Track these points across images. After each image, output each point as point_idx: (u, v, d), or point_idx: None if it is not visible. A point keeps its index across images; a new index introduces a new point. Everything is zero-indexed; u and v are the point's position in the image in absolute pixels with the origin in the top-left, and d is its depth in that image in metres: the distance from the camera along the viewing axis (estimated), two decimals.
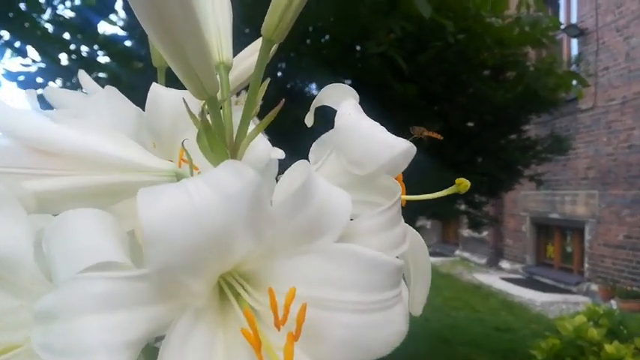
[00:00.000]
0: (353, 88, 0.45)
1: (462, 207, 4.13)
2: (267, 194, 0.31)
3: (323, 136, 0.53)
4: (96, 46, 2.17)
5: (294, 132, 1.26)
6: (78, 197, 0.39)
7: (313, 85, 3.11)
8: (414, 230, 0.44)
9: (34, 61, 2.13)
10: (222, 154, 0.39)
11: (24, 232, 0.34)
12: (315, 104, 0.47)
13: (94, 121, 0.43)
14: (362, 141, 0.39)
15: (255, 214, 0.31)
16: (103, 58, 2.23)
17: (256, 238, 0.32)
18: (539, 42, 3.35)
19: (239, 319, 0.32)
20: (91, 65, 2.14)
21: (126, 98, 0.44)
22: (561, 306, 6.12)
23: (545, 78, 3.48)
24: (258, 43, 0.49)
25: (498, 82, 3.35)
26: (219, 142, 0.39)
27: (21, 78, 2.11)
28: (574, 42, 7.13)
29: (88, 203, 0.40)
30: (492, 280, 7.78)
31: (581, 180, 7.04)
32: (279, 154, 0.56)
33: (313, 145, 0.52)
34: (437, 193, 0.45)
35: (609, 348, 3.01)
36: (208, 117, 0.38)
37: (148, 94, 0.48)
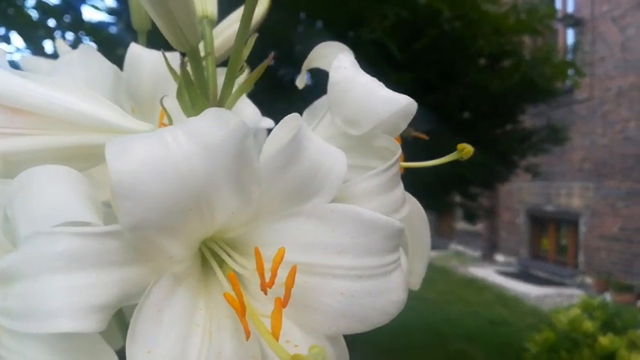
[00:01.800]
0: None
1: (457, 199, 4.12)
2: (254, 146, 0.28)
3: (315, 102, 0.50)
4: (81, 33, 2.11)
5: None
6: (48, 160, 0.36)
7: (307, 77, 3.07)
8: (413, 197, 0.41)
9: (18, 48, 2.08)
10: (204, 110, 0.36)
11: None
12: (306, 65, 0.44)
13: (67, 79, 0.40)
14: (358, 96, 0.36)
15: (241, 168, 0.28)
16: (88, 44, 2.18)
17: (241, 197, 0.29)
18: (535, 30, 3.32)
19: (222, 285, 0.29)
20: None
21: (103, 57, 0.41)
22: (556, 299, 6.14)
23: (542, 67, 3.45)
24: (239, 12, 0.46)
25: (494, 71, 3.33)
26: (200, 98, 0.35)
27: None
28: (570, 32, 7.11)
29: None
30: (487, 273, 7.80)
31: (577, 172, 7.05)
32: (269, 123, 0.53)
33: (305, 112, 0.49)
34: (438, 159, 0.42)
35: (603, 340, 3.02)
36: (189, 71, 0.35)
37: (127, 54, 0.44)
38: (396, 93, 0.36)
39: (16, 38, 2.04)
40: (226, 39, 0.48)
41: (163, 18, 0.32)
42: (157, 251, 0.27)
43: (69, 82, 0.38)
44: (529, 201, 8.11)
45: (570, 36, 7.09)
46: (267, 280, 0.28)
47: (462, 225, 9.51)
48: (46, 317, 0.23)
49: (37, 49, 1.99)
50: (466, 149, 0.43)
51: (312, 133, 0.31)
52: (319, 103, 0.49)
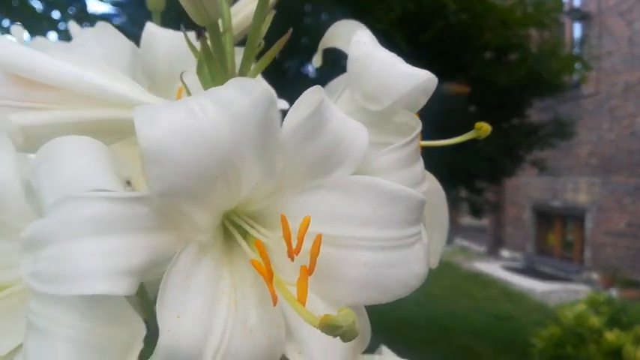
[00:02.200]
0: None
1: (463, 194, 4.10)
2: (278, 116, 0.28)
3: (330, 83, 0.49)
4: (85, 24, 2.12)
5: None
6: (68, 134, 0.36)
7: (310, 68, 3.06)
8: (430, 174, 0.41)
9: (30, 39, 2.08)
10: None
11: (11, 168, 0.31)
12: (322, 45, 0.44)
13: (85, 56, 0.40)
14: (378, 71, 0.36)
15: (266, 136, 0.28)
16: None
17: (266, 167, 0.29)
18: (542, 23, 3.30)
19: (246, 253, 0.30)
20: None
21: (120, 33, 0.41)
22: (561, 295, 6.12)
23: (549, 61, 3.43)
24: None
25: (501, 64, 3.31)
26: (220, 72, 0.35)
27: None
28: (577, 26, 7.05)
29: None
30: (492, 268, 7.79)
31: (583, 167, 7.01)
32: (283, 104, 0.53)
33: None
34: (456, 138, 0.42)
35: (609, 336, 3.01)
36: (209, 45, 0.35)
37: (142, 34, 0.45)
38: (416, 68, 0.36)
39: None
40: (242, 18, 0.48)
41: None
42: (183, 219, 0.27)
43: (87, 59, 0.39)
44: (535, 196, 8.07)
45: (577, 30, 7.03)
46: (294, 247, 0.28)
47: (467, 220, 9.49)
48: (77, 279, 0.23)
49: None
50: (484, 127, 0.42)
51: (334, 106, 0.31)
52: (335, 82, 0.49)
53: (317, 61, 0.45)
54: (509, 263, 8.38)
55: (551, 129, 3.83)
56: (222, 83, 0.35)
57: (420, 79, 0.36)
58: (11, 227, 0.33)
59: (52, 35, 2.01)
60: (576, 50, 4.53)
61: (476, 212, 4.41)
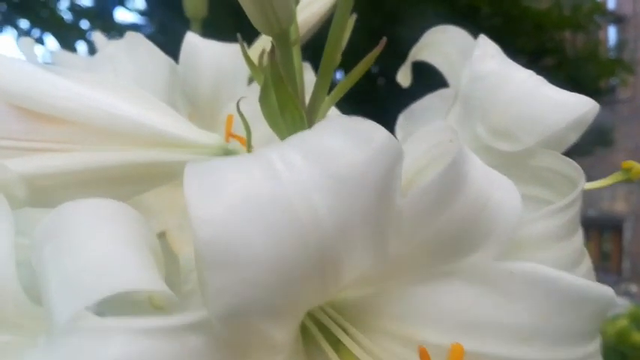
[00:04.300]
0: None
1: None
2: (401, 177, 0.18)
3: (413, 106, 0.39)
4: (113, 34, 2.10)
5: None
6: (87, 184, 0.27)
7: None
8: None
9: (51, 51, 2.08)
10: (297, 118, 0.26)
11: (4, 242, 0.22)
12: (412, 56, 0.34)
13: (110, 76, 0.30)
14: (515, 98, 0.25)
15: (383, 209, 0.18)
16: None
17: (377, 251, 0.19)
18: (580, 26, 3.14)
19: None
20: None
21: (155, 47, 0.32)
22: None
23: (587, 65, 3.27)
24: None
25: (536, 70, 3.15)
26: (292, 100, 0.25)
27: None
28: (611, 29, 6.78)
29: (100, 193, 0.28)
30: None
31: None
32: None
33: (400, 117, 0.39)
34: (601, 181, 0.31)
35: None
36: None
37: (182, 46, 0.35)
38: (570, 93, 0.25)
39: (50, 40, 2.02)
40: (302, 22, 0.38)
41: None
42: (255, 342, 0.17)
43: (114, 80, 0.29)
44: None
45: (612, 33, 6.76)
46: None
47: None
48: None
49: (70, 51, 1.98)
50: (635, 168, 0.31)
51: (473, 155, 0.21)
52: (421, 106, 0.38)
53: (405, 78, 0.35)
54: None
55: (590, 136, 3.63)
56: (294, 115, 0.26)
57: (579, 112, 0.25)
58: (12, 323, 0.24)
59: (81, 45, 1.98)
60: (611, 54, 4.32)
61: None
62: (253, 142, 0.34)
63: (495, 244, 0.21)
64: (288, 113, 0.25)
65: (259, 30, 0.25)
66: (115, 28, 2.07)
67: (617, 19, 6.50)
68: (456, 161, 0.19)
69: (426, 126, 0.33)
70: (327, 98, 0.28)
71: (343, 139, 0.17)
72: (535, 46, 3.14)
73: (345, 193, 0.17)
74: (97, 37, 0.49)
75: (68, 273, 0.19)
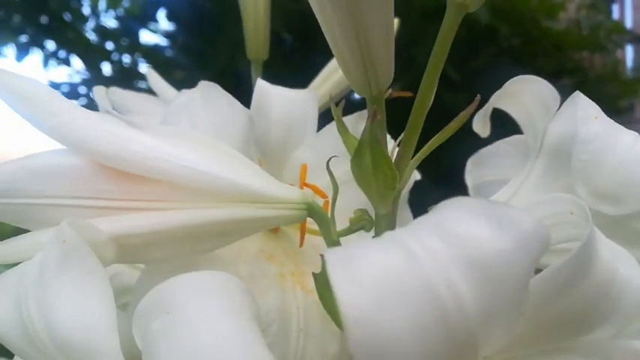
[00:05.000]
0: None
1: None
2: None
3: (482, 151, 0.38)
4: (137, 55, 2.13)
5: None
6: (171, 241, 0.26)
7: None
8: None
9: (77, 71, 2.11)
10: (389, 179, 0.25)
11: (101, 304, 0.21)
12: (491, 104, 0.33)
13: (188, 129, 0.30)
14: (622, 162, 0.24)
15: (521, 295, 0.17)
16: (144, 68, 2.18)
17: (507, 332, 0.18)
18: (600, 46, 3.12)
19: None
20: (132, 75, 2.10)
21: (232, 97, 0.31)
22: None
23: (607, 84, 3.24)
24: None
25: (558, 89, 3.13)
26: (387, 161, 0.25)
27: (65, 88, 2.09)
28: (629, 49, 6.75)
29: (183, 249, 0.27)
30: None
31: None
32: (415, 174, 0.42)
33: (469, 164, 0.38)
34: None
35: None
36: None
37: (254, 92, 0.35)
38: None
39: (75, 61, 2.06)
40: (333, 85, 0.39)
41: (354, 52, 0.22)
42: None
43: (194, 134, 0.29)
44: None
45: (629, 53, 6.73)
46: None
47: None
48: None
49: (95, 72, 2.01)
50: None
51: (600, 234, 0.20)
52: (489, 152, 0.37)
53: (483, 128, 0.34)
54: None
55: None
56: (388, 177, 0.25)
57: None
58: None
59: (106, 66, 2.02)
60: (630, 74, 4.30)
61: None
62: (322, 187, 0.33)
63: (616, 324, 0.20)
64: (381, 174, 0.25)
65: (355, 91, 0.25)
66: (139, 49, 2.11)
67: (635, 37, 6.48)
68: (588, 242, 0.18)
69: (505, 176, 0.33)
70: (411, 161, 0.27)
71: (487, 223, 0.16)
72: (555, 66, 3.13)
73: (490, 279, 0.16)
74: (152, 75, 0.49)
75: (185, 353, 0.18)
